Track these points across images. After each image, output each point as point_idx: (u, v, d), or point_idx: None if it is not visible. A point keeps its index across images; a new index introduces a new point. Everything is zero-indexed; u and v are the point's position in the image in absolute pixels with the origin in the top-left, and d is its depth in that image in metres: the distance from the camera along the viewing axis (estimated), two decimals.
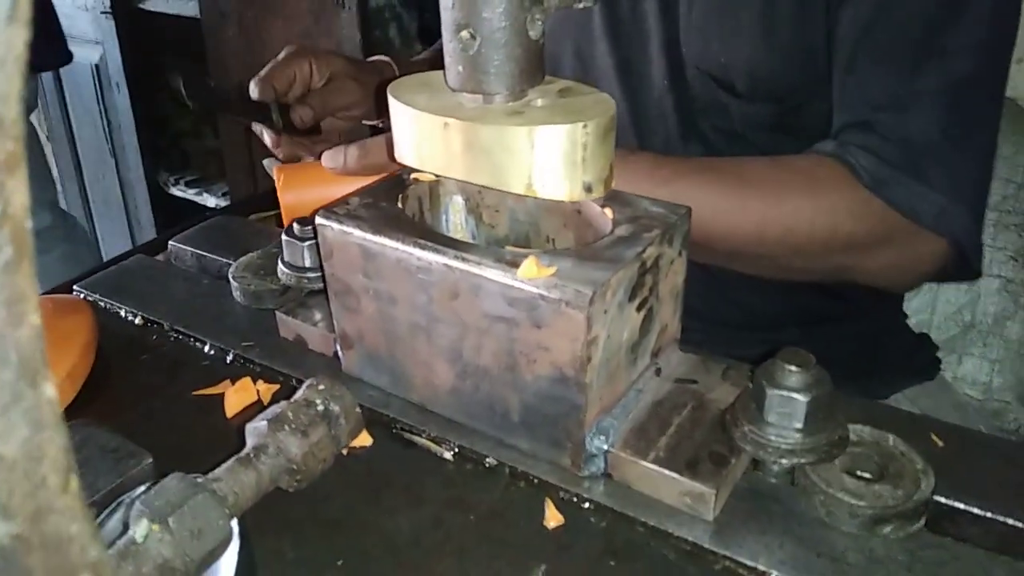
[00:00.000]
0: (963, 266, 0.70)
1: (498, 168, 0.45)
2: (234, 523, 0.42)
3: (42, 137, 3.06)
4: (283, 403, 0.42)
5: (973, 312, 1.30)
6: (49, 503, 0.19)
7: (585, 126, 0.44)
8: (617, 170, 0.49)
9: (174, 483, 0.35)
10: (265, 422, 0.40)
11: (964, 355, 1.32)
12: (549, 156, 0.44)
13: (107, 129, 2.42)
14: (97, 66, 2.32)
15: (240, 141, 2.05)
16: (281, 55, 0.90)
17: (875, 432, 0.50)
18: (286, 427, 0.40)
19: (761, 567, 0.44)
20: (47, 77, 2.50)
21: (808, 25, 0.72)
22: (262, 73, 0.87)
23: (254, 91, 0.85)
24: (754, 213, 0.68)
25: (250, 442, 0.40)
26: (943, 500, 0.48)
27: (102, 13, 2.20)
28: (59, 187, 2.77)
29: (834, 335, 0.89)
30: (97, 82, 2.36)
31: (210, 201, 2.34)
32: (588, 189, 0.46)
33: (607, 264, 0.45)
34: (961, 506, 0.48)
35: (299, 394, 0.43)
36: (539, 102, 0.47)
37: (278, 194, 0.72)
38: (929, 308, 1.31)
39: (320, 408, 0.41)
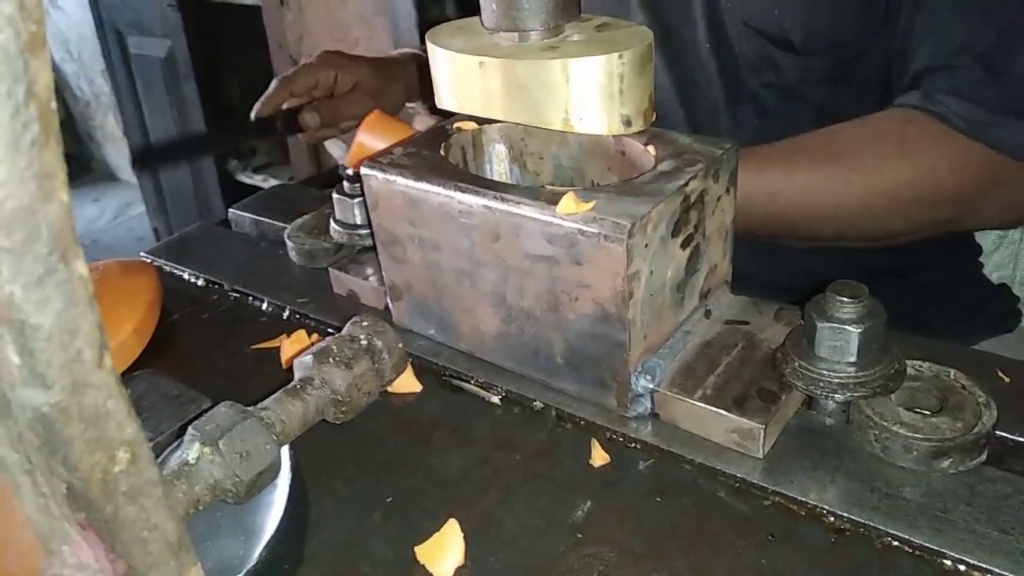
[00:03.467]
0: None
1: (536, 104, 0.45)
2: (287, 458, 0.43)
3: (118, 133, 3.19)
4: (328, 338, 0.43)
5: None
6: (85, 376, 0.20)
7: (621, 56, 0.43)
8: None
9: (224, 410, 0.37)
10: (311, 356, 0.41)
11: None
12: (585, 89, 0.44)
13: (178, 120, 2.51)
14: (166, 59, 2.40)
15: None
16: (309, 61, 0.92)
17: (935, 367, 0.48)
18: (331, 360, 0.41)
19: (812, 501, 0.43)
20: (120, 73, 2.60)
21: None
22: (279, 80, 0.90)
23: (259, 109, 0.89)
24: (856, 185, 0.67)
25: (297, 375, 0.41)
26: (1007, 435, 0.46)
27: (168, 6, 2.27)
28: (135, 181, 2.90)
29: (900, 289, 0.86)
30: (167, 75, 2.44)
31: None
32: (627, 122, 0.45)
33: (647, 198, 0.45)
34: None
35: (344, 331, 0.44)
36: (575, 37, 0.47)
37: (357, 132, 0.75)
38: (1011, 263, 1.25)
39: (364, 343, 0.42)
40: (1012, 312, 0.93)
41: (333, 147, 0.97)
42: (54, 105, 0.18)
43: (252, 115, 0.93)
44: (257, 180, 2.45)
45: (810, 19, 0.72)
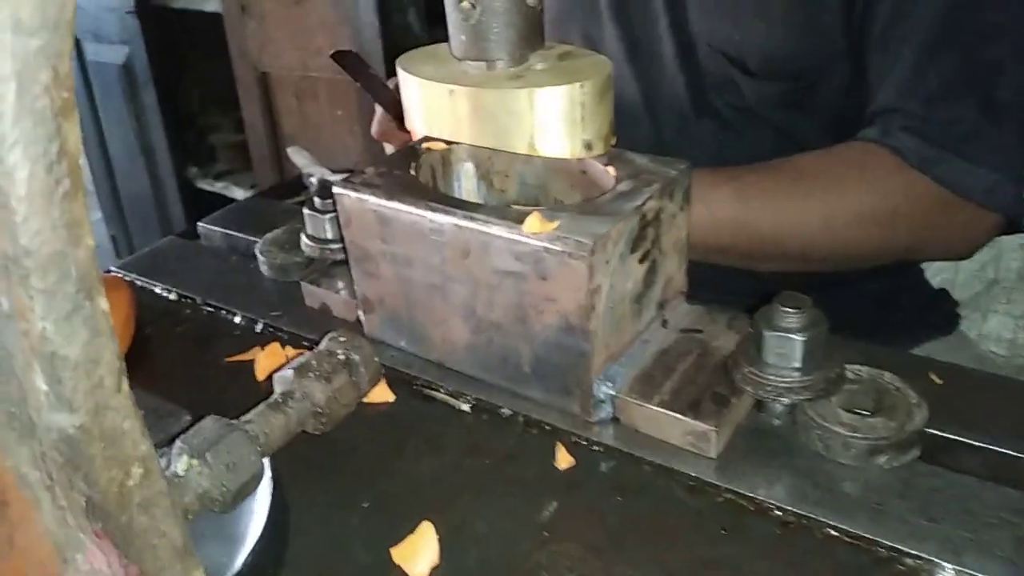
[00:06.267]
0: (1015, 227, 0.74)
1: (502, 130, 0.48)
2: (267, 469, 0.45)
3: None
4: (308, 353, 0.45)
5: (996, 269, 1.31)
6: (106, 400, 0.22)
7: (582, 86, 0.46)
8: None
9: (210, 424, 0.39)
10: (291, 370, 0.43)
11: (988, 312, 1.33)
12: (549, 116, 0.47)
13: (136, 128, 2.48)
14: (124, 66, 2.38)
15: (263, 133, 2.10)
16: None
17: (872, 371, 0.52)
18: (310, 374, 0.43)
19: (760, 497, 0.47)
20: (77, 80, 2.57)
21: (821, 3, 0.73)
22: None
23: None
24: (819, 204, 0.71)
25: (278, 389, 0.43)
26: (939, 432, 0.50)
27: (127, 13, 2.25)
28: (92, 188, 2.85)
29: (851, 296, 0.91)
30: (125, 82, 2.41)
31: (238, 194, 2.39)
32: (588, 147, 0.49)
33: (608, 217, 0.48)
34: (956, 437, 0.50)
35: (322, 345, 0.46)
36: (539, 66, 0.50)
37: None
38: (953, 266, 1.31)
39: (341, 357, 0.45)
40: (952, 316, 0.99)
41: (296, 155, 0.99)
42: (82, 159, 0.21)
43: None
44: (218, 188, 2.44)
45: (768, 46, 0.76)
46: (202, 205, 2.44)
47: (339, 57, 0.88)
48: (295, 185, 0.95)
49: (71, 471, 0.22)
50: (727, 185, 0.72)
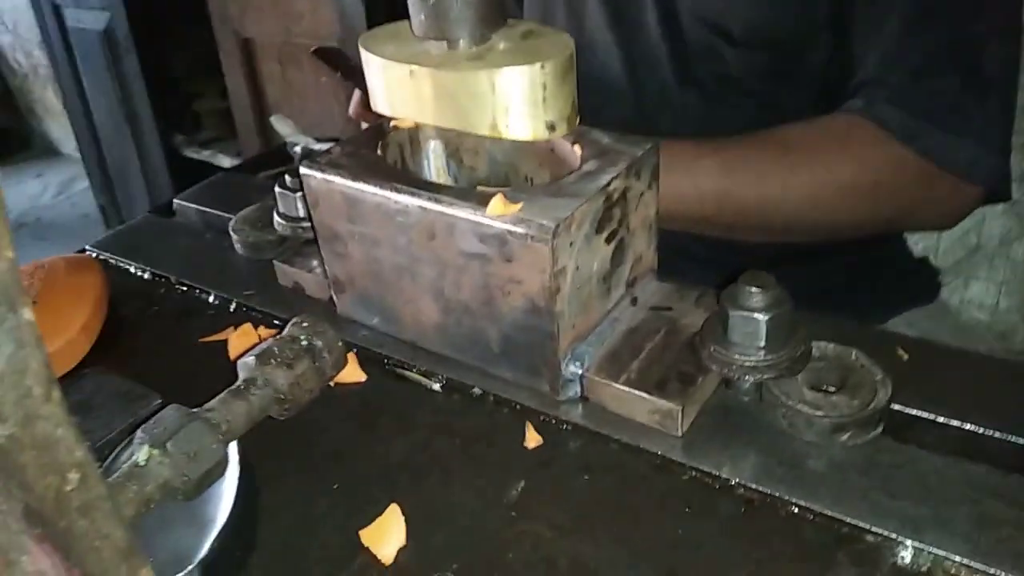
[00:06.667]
0: (997, 198, 0.74)
1: (464, 111, 0.48)
2: (235, 452, 0.46)
3: (59, 106, 3.11)
4: (270, 339, 0.45)
5: (979, 235, 1.31)
6: (36, 410, 0.22)
7: (543, 66, 0.46)
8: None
9: (171, 413, 0.39)
10: (253, 357, 0.43)
11: (971, 278, 1.33)
12: (511, 98, 0.46)
13: (120, 94, 2.45)
14: (106, 32, 2.34)
15: (247, 101, 2.08)
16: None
17: (838, 348, 0.52)
18: (272, 361, 0.43)
19: (724, 475, 0.47)
20: (58, 46, 2.53)
21: None
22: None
23: None
24: (804, 176, 0.71)
25: (241, 375, 0.43)
26: (903, 409, 0.51)
27: None
28: (80, 155, 2.83)
29: (831, 267, 0.91)
30: (107, 48, 2.37)
31: (224, 161, 2.37)
32: (551, 128, 0.48)
33: (571, 199, 0.48)
34: (920, 414, 0.50)
35: (285, 332, 0.46)
36: (501, 45, 0.49)
37: None
38: (935, 233, 1.31)
39: (304, 343, 0.45)
40: (933, 284, 0.99)
41: (279, 124, 0.98)
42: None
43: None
44: (204, 155, 2.42)
45: (751, 15, 0.75)
46: (189, 173, 2.42)
47: (321, 54, 0.87)
48: (280, 154, 0.94)
49: (5, 478, 0.22)
50: (711, 156, 0.72)
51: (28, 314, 0.22)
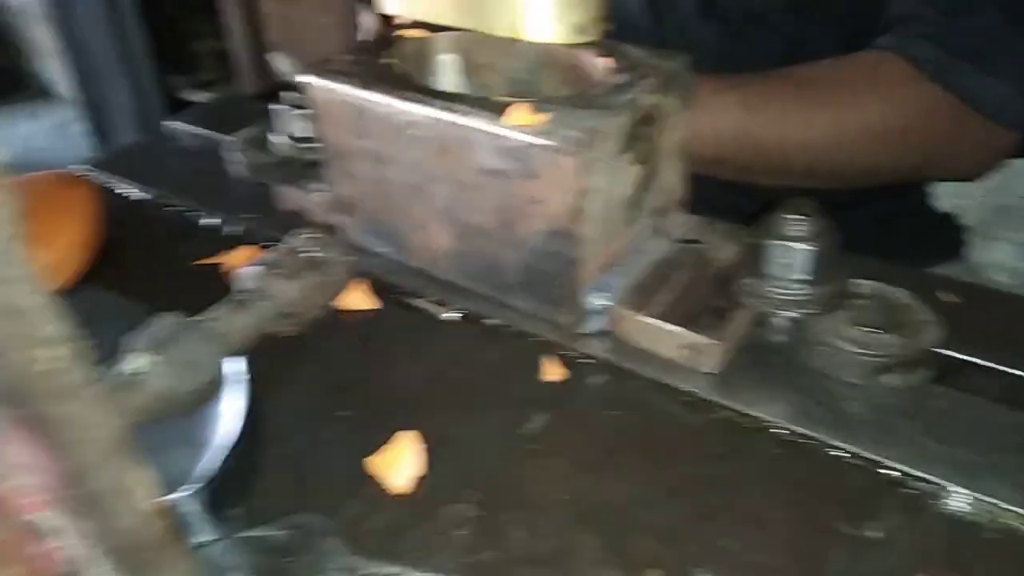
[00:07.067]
0: None
1: (484, 9, 0.43)
2: (242, 374, 0.42)
3: (52, 47, 3.02)
4: (271, 250, 0.42)
5: (1006, 194, 1.26)
6: (3, 273, 0.18)
7: None
8: None
9: (166, 321, 0.35)
10: (254, 267, 0.40)
11: (994, 240, 1.30)
12: None
13: (116, 34, 2.37)
14: None
15: (244, 40, 2.00)
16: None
17: (883, 286, 0.49)
18: (275, 270, 0.40)
19: (760, 415, 0.44)
20: None
21: None
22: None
23: None
24: (829, 115, 0.67)
25: (242, 286, 0.40)
26: (951, 353, 0.47)
27: None
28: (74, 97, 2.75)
29: (851, 218, 0.87)
30: None
31: None
32: (580, 30, 0.44)
33: (600, 110, 0.43)
34: (968, 358, 0.47)
35: (286, 242, 0.42)
36: None
37: None
38: (960, 192, 1.27)
39: (309, 254, 0.41)
40: (956, 241, 0.96)
41: (280, 62, 0.93)
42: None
43: None
44: (203, 97, 2.36)
45: None
46: None
47: None
48: (280, 91, 0.89)
49: None
50: (731, 93, 0.67)
51: None
